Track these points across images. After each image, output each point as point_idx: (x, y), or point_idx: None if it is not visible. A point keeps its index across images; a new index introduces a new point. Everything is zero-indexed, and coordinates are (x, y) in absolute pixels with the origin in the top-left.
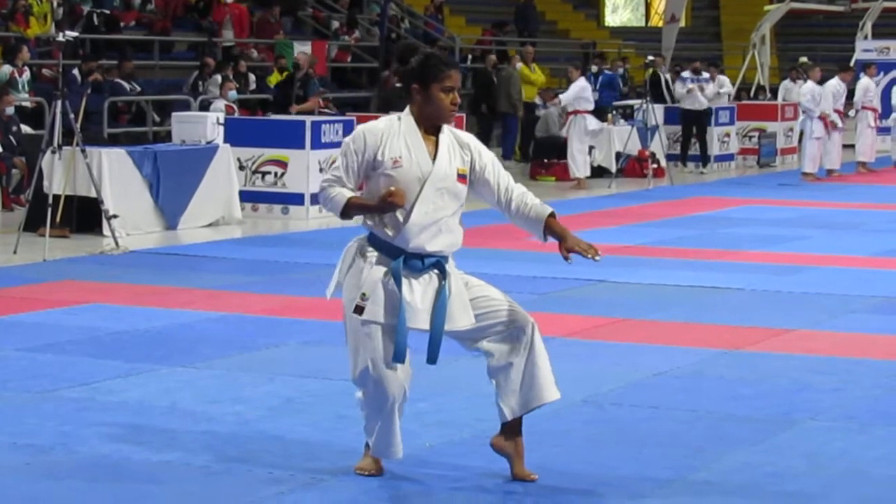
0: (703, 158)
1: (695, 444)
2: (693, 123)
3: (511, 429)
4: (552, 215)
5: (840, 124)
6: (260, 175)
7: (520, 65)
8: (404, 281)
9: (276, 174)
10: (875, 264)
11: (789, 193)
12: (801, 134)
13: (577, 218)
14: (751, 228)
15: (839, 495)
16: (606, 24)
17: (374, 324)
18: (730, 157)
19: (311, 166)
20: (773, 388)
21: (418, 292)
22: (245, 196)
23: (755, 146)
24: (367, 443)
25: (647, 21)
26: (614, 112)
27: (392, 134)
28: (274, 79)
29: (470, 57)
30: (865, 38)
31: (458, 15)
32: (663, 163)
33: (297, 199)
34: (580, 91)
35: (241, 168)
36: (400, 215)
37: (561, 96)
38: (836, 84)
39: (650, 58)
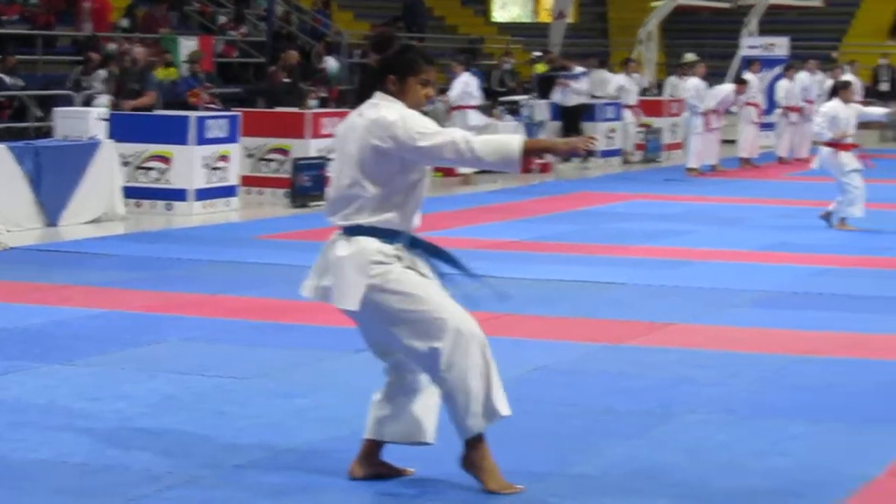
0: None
1: (575, 438)
2: (568, 119)
3: (375, 449)
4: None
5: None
6: (143, 171)
7: None
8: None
9: (159, 170)
10: (757, 258)
11: (674, 188)
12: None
13: (462, 213)
14: (635, 223)
15: (717, 488)
16: (494, 19)
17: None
18: (616, 153)
19: (195, 162)
20: (653, 381)
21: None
22: (128, 192)
23: (641, 141)
24: (477, 436)
25: (535, 17)
26: (500, 107)
27: None
28: (159, 74)
29: (358, 53)
30: (751, 34)
31: (346, 10)
32: (549, 158)
33: (180, 195)
34: (464, 86)
35: (125, 164)
36: (405, 201)
37: (449, 93)
38: (729, 89)
39: (536, 54)
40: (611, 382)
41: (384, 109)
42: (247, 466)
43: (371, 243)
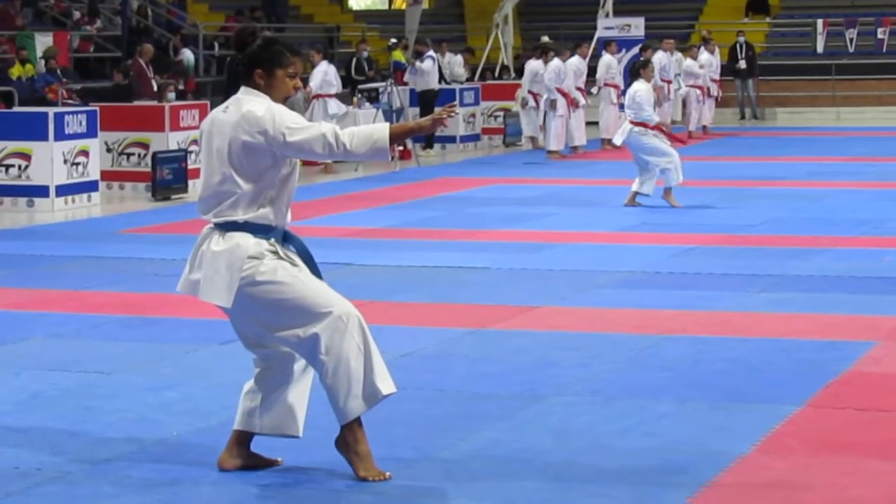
0: (428, 139)
1: (442, 424)
2: (424, 105)
3: (245, 440)
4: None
5: (583, 101)
6: (3, 168)
7: None
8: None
9: (19, 167)
10: (620, 239)
11: (535, 172)
12: (546, 113)
13: (323, 202)
14: (496, 207)
15: (586, 469)
16: (350, 7)
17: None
18: (475, 138)
19: (55, 158)
20: (518, 364)
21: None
22: None
23: (500, 126)
24: (355, 420)
25: (390, 4)
26: (360, 95)
27: None
28: (16, 71)
29: (216, 45)
30: (607, 15)
31: (201, 2)
32: (409, 145)
33: (42, 191)
34: (324, 75)
35: None
36: (279, 195)
37: (310, 83)
38: (577, 62)
39: (393, 40)
40: (476, 367)
41: (251, 104)
42: (116, 461)
43: (246, 239)
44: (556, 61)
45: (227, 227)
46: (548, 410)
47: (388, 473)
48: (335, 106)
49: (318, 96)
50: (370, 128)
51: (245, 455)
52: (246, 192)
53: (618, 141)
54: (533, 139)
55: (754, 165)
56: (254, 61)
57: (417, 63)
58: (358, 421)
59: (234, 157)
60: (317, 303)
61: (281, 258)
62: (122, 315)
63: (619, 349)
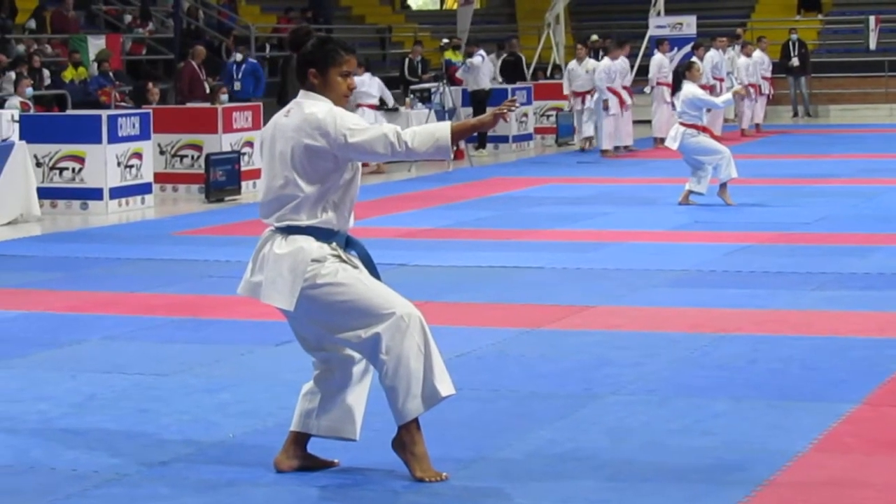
0: (480, 139)
1: (498, 424)
2: (475, 104)
3: (301, 441)
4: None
5: (629, 101)
6: (57, 171)
7: None
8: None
9: (73, 170)
10: (673, 238)
11: (588, 171)
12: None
13: (377, 203)
14: (550, 207)
15: (642, 468)
16: (402, 7)
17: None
18: (528, 137)
19: (108, 161)
20: (574, 364)
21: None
22: (43, 193)
23: (553, 125)
24: (412, 421)
25: (441, 4)
26: (412, 96)
27: None
28: (69, 74)
29: (268, 46)
30: (658, 14)
31: (253, 4)
32: (462, 145)
33: (95, 193)
34: (360, 84)
35: (38, 165)
36: (341, 199)
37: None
38: (622, 62)
39: (445, 41)
40: (531, 367)
41: (312, 107)
42: (172, 462)
43: (310, 242)
44: (605, 61)
45: (289, 230)
46: (604, 410)
47: (444, 474)
48: (371, 116)
49: (358, 105)
50: (432, 126)
51: (302, 456)
52: (309, 196)
53: (672, 145)
54: (589, 139)
55: (807, 163)
56: (307, 61)
57: (469, 60)
58: (416, 422)
59: (296, 160)
60: (378, 303)
61: (343, 261)
62: (176, 317)
63: (675, 348)
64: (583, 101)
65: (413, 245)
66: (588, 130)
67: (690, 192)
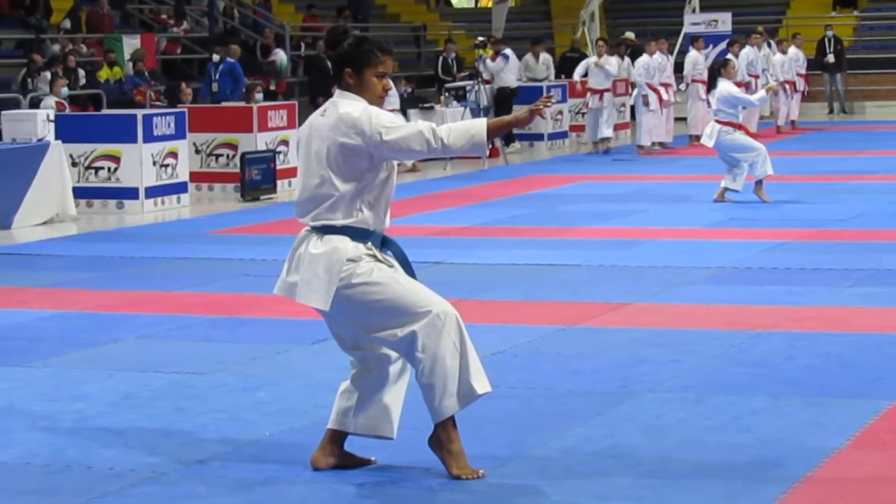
0: (507, 136)
1: (534, 421)
2: (502, 102)
3: (338, 439)
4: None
5: (670, 98)
6: (93, 171)
7: None
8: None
9: (109, 169)
10: (709, 235)
11: (623, 168)
12: (633, 108)
13: (412, 201)
14: (586, 205)
15: (680, 465)
16: (437, 6)
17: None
18: (563, 135)
19: (143, 160)
20: (610, 361)
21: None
22: (79, 192)
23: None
24: (449, 418)
25: (476, 2)
26: (447, 94)
27: None
28: (104, 74)
29: (303, 45)
30: (694, 11)
31: (287, 3)
32: (497, 143)
33: (131, 193)
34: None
35: (74, 164)
36: (377, 199)
37: None
38: (659, 57)
39: (480, 39)
40: (567, 364)
41: (347, 106)
42: (209, 461)
43: (345, 242)
44: (643, 56)
45: (325, 230)
46: (640, 407)
47: (482, 471)
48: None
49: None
50: (467, 123)
51: (339, 454)
52: (344, 195)
53: (708, 143)
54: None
55: (843, 160)
56: (343, 60)
57: (482, 55)
58: (452, 420)
59: (332, 159)
60: (415, 301)
61: (378, 260)
62: (212, 315)
63: (711, 345)
64: (600, 99)
65: (449, 243)
66: (606, 131)
67: (726, 189)
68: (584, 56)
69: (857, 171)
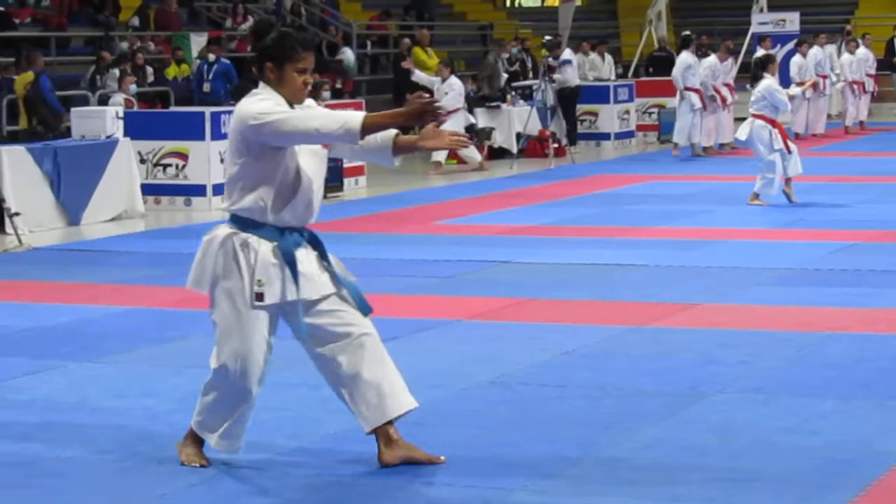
0: (570, 137)
1: (604, 421)
2: (563, 102)
3: (384, 436)
4: (398, 134)
5: (730, 98)
6: (161, 167)
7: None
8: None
9: (177, 166)
10: (777, 236)
11: (690, 168)
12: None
13: (479, 200)
14: (653, 205)
15: (750, 467)
16: (503, 5)
17: (269, 307)
18: (630, 135)
19: (211, 157)
20: (680, 362)
21: (309, 263)
22: (147, 189)
23: (655, 122)
24: (195, 432)
25: (543, 1)
26: (514, 93)
27: None
28: (172, 71)
29: (369, 43)
30: (761, 10)
31: (354, 1)
32: (564, 142)
33: (199, 190)
34: (448, 88)
35: (142, 161)
36: (289, 190)
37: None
38: (714, 61)
39: (547, 38)
40: (637, 364)
41: (245, 100)
42: (276, 458)
43: (229, 231)
44: (711, 58)
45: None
46: (710, 408)
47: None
48: (463, 118)
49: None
50: (349, 112)
51: (402, 447)
52: (246, 184)
53: (742, 136)
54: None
55: None
56: (265, 54)
57: (550, 60)
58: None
59: (238, 149)
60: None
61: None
62: None
63: (781, 347)
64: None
65: (516, 242)
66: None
67: (758, 194)
68: (672, 55)
69: None
